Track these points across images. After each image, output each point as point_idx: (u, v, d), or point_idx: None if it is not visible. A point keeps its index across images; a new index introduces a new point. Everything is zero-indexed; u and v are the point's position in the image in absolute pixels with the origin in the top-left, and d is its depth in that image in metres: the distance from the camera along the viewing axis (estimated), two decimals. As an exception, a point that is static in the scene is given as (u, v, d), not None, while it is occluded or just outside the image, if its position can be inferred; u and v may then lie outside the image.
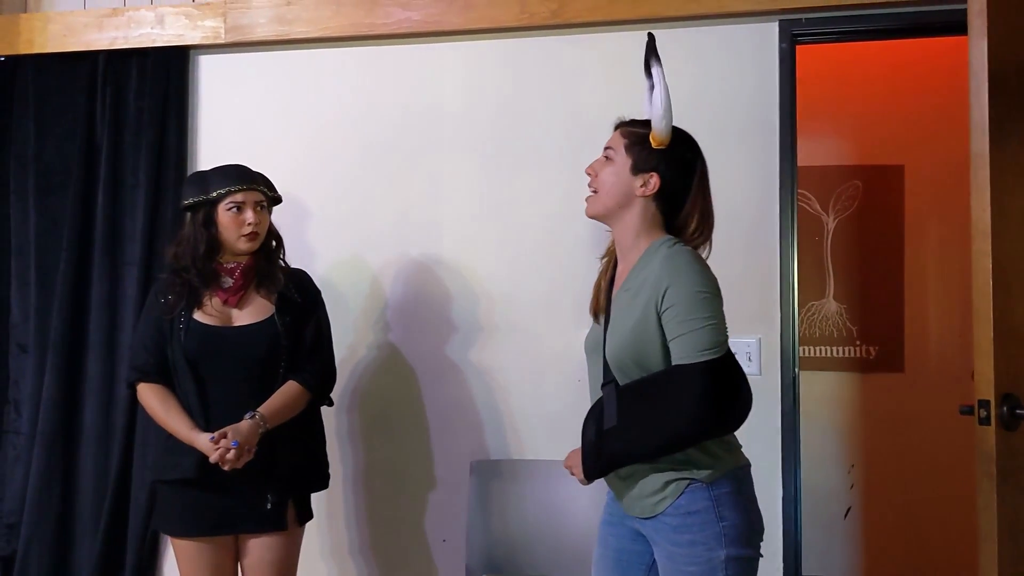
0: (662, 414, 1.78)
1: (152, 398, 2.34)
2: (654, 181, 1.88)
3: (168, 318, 2.34)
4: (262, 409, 2.27)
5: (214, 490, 2.27)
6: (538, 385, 2.79)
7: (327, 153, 2.96)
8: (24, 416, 3.08)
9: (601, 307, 1.97)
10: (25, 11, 3.21)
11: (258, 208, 2.36)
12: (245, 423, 2.24)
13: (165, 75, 3.04)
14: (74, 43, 3.10)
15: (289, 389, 2.34)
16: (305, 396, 2.36)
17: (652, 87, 1.91)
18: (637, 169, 1.89)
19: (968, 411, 1.96)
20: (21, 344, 3.11)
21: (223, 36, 3.01)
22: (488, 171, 2.86)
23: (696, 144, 1.95)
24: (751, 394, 1.84)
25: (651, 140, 1.88)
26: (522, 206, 2.83)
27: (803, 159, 2.86)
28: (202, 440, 2.22)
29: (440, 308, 2.86)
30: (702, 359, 1.74)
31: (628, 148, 1.92)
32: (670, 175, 1.88)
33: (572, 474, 1.94)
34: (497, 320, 2.83)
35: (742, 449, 1.91)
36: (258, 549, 2.32)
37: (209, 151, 3.07)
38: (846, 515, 3.69)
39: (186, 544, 2.31)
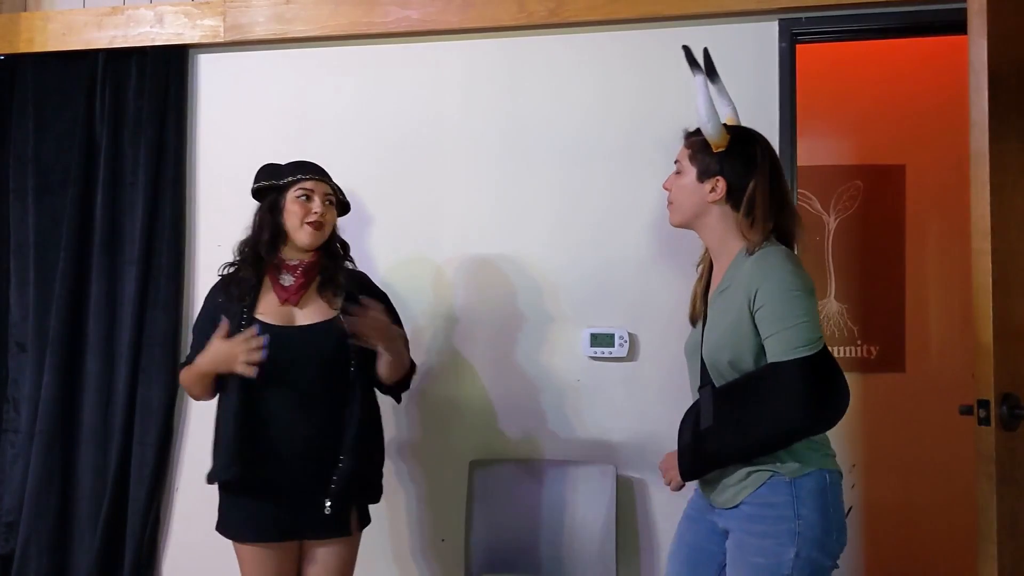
0: (758, 412, 1.78)
1: (187, 371, 2.27)
2: (721, 185, 1.91)
3: (228, 318, 2.21)
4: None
5: (276, 496, 2.21)
6: (538, 385, 2.78)
7: (326, 152, 2.93)
8: (23, 415, 3.08)
9: (698, 312, 1.99)
10: (25, 10, 3.21)
11: (327, 202, 2.31)
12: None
13: (164, 74, 3.04)
14: (74, 42, 3.10)
15: None
16: (411, 366, 2.33)
17: (697, 94, 1.94)
18: (703, 176, 1.93)
19: (968, 411, 1.96)
20: (20, 343, 3.12)
21: (222, 35, 3.01)
22: (486, 169, 2.86)
23: (758, 138, 1.96)
24: (848, 390, 1.82)
25: (711, 146, 1.92)
26: (521, 205, 2.83)
27: (803, 159, 2.85)
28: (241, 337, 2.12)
29: (439, 306, 2.86)
30: (797, 355, 1.74)
31: (692, 158, 1.96)
32: (735, 175, 1.90)
33: (664, 477, 1.97)
34: (497, 319, 2.82)
35: (835, 457, 1.90)
36: (323, 555, 2.27)
37: (208, 150, 3.08)
38: (847, 515, 3.67)
39: (251, 549, 2.25)
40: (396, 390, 2.37)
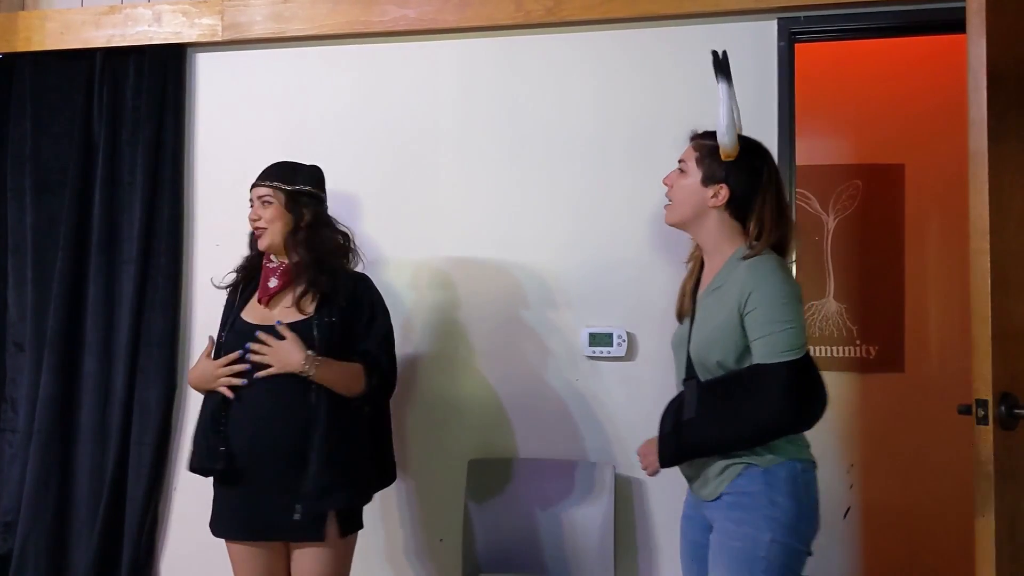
0: (740, 410, 1.86)
1: None
2: (724, 192, 1.96)
3: (225, 313, 2.39)
4: (321, 356, 2.22)
5: (257, 495, 2.22)
6: (537, 384, 2.78)
7: (323, 151, 2.94)
8: (21, 414, 3.08)
9: (686, 309, 2.05)
10: (23, 8, 3.21)
11: (263, 203, 2.33)
12: (297, 341, 2.21)
13: (162, 73, 3.04)
14: (71, 41, 3.10)
15: (351, 363, 2.28)
16: (360, 377, 2.27)
17: (719, 102, 1.97)
18: (707, 181, 1.98)
19: (966, 411, 1.95)
20: (18, 342, 3.11)
21: (220, 34, 3.01)
22: (484, 169, 2.85)
23: (764, 151, 2.02)
24: (827, 395, 1.93)
25: (720, 153, 1.96)
26: (519, 204, 2.83)
27: (802, 158, 2.85)
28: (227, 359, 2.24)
29: (437, 306, 2.86)
30: (783, 359, 1.82)
31: (699, 161, 2.00)
32: (739, 185, 1.96)
33: (641, 462, 2.04)
34: (496, 318, 2.82)
35: (809, 448, 1.96)
36: (302, 558, 2.25)
37: (206, 149, 3.08)
38: (845, 515, 3.67)
39: (239, 548, 2.27)
40: (357, 403, 2.32)
